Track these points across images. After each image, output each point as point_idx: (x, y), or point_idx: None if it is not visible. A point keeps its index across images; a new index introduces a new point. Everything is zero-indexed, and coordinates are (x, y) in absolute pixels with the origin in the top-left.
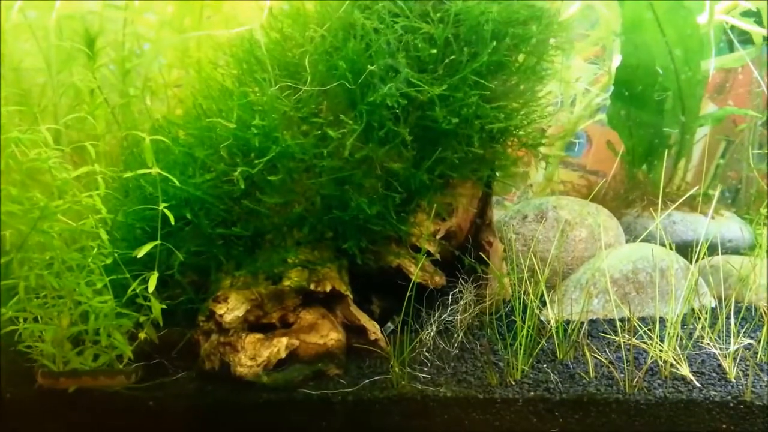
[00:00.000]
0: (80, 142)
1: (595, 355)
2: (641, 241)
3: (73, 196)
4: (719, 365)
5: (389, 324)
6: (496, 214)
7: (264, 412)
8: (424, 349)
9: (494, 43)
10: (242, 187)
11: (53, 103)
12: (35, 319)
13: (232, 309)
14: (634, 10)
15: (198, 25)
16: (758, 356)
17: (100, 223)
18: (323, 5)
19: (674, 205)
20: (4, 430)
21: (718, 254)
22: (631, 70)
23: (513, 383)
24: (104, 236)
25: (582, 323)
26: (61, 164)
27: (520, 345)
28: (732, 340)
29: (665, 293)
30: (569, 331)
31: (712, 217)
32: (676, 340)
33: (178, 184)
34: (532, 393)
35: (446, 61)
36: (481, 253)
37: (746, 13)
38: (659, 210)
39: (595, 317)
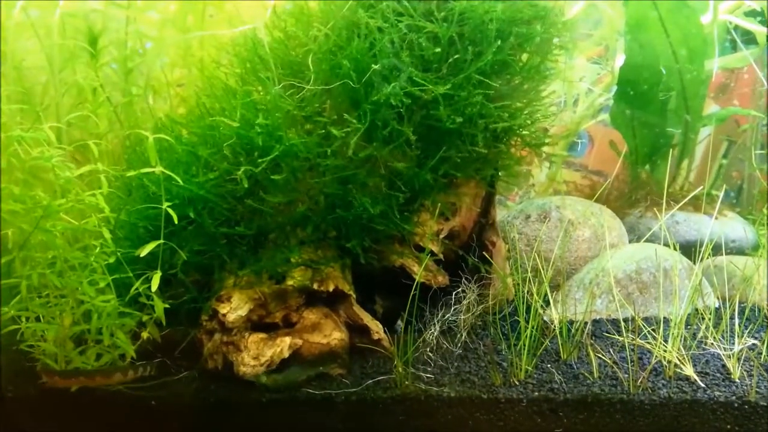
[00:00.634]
0: (83, 140)
1: (599, 355)
2: (645, 241)
3: (75, 194)
4: (723, 365)
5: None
6: (499, 214)
7: (267, 412)
8: (428, 349)
9: (498, 43)
10: (246, 186)
11: (55, 102)
12: (37, 318)
13: (235, 308)
14: (639, 9)
15: (201, 23)
16: (762, 356)
17: (103, 222)
18: (327, 4)
19: (678, 206)
20: (5, 428)
21: (721, 254)
22: (634, 69)
23: (517, 383)
24: (107, 235)
25: (586, 323)
26: (63, 163)
27: (524, 345)
28: (736, 340)
29: (669, 293)
30: (573, 331)
31: (716, 218)
32: (680, 340)
33: (181, 182)
34: (536, 393)
35: (450, 60)
36: (484, 252)
37: (750, 13)
38: (662, 210)
39: (598, 317)
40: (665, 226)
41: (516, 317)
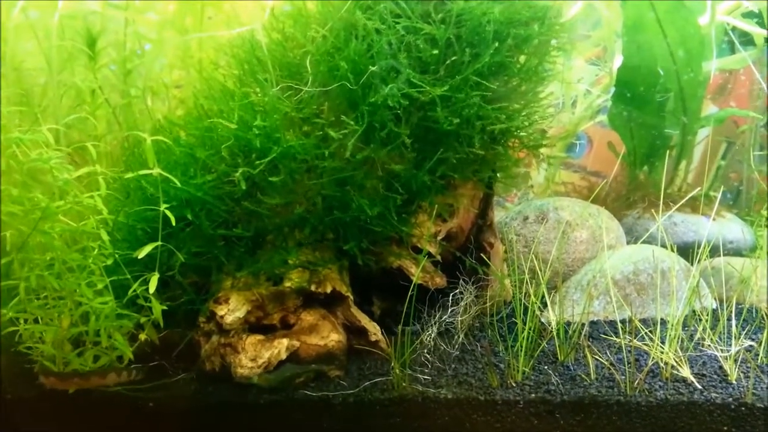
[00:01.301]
0: (81, 142)
1: (596, 356)
2: (642, 242)
3: (74, 196)
4: (720, 367)
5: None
6: (498, 215)
7: (265, 414)
8: (425, 351)
9: (496, 44)
10: (243, 187)
11: (54, 104)
12: (36, 320)
13: (232, 310)
14: (636, 10)
15: (199, 25)
16: (759, 358)
17: (101, 224)
18: (325, 5)
19: (675, 207)
20: (5, 430)
21: (719, 256)
22: (632, 70)
23: (514, 385)
24: (105, 237)
25: (583, 325)
26: (62, 165)
27: (521, 346)
28: (733, 341)
29: (666, 295)
30: (570, 332)
31: (714, 219)
32: (677, 341)
33: (179, 184)
34: (533, 395)
35: (448, 61)
36: (482, 254)
37: (748, 15)
38: (660, 211)
39: (596, 319)
40: (663, 227)
41: (514, 319)
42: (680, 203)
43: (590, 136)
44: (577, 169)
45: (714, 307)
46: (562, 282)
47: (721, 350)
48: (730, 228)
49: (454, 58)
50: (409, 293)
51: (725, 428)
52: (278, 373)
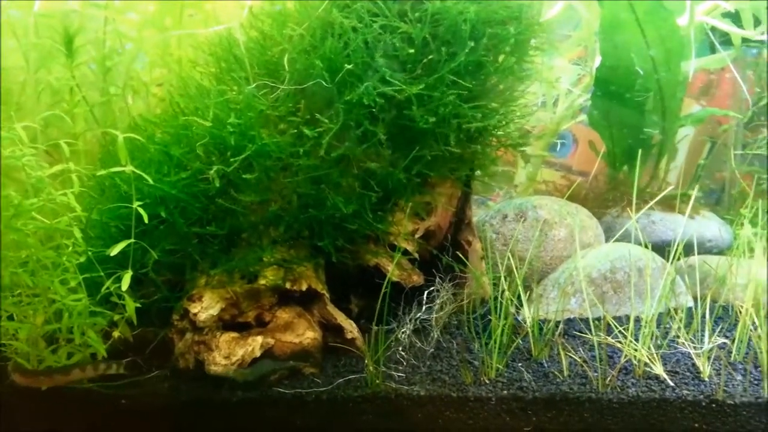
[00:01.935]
0: (58, 140)
1: (570, 353)
2: (619, 240)
3: (48, 194)
4: (693, 364)
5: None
6: (479, 214)
7: (238, 411)
8: (400, 348)
9: (472, 43)
10: (218, 185)
11: (31, 102)
12: (10, 317)
13: (206, 308)
14: (613, 11)
15: (179, 23)
16: (732, 355)
17: (75, 222)
18: (303, 4)
19: (649, 204)
20: None
21: (693, 254)
22: (610, 70)
23: (487, 382)
24: (78, 234)
25: (558, 322)
26: (37, 162)
27: (495, 343)
28: (706, 339)
29: (642, 292)
30: (545, 330)
31: (692, 217)
32: (652, 339)
33: (152, 182)
34: (505, 391)
35: (424, 60)
36: (459, 252)
37: (727, 15)
38: (633, 209)
39: (572, 316)
40: (642, 225)
41: (490, 316)
42: (653, 202)
43: (575, 136)
44: (560, 169)
45: (690, 305)
46: (540, 280)
47: (695, 347)
48: (709, 226)
49: (430, 57)
50: (383, 290)
51: (696, 425)
52: (254, 368)
